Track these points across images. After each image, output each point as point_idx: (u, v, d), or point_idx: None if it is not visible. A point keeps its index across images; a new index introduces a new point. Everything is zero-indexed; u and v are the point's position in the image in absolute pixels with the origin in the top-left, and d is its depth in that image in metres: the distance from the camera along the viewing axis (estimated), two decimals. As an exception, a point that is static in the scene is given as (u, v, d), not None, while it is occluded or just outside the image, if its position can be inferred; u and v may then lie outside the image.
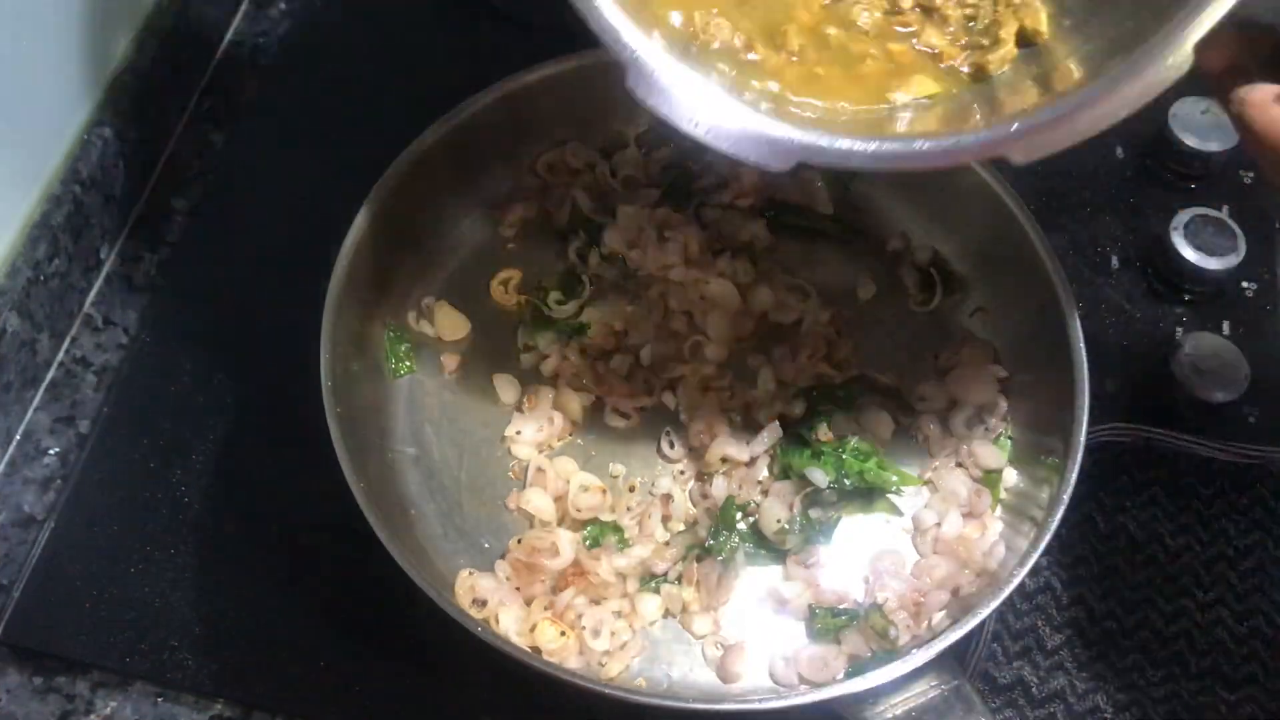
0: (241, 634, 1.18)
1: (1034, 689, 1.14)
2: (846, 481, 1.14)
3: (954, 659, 1.02)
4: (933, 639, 1.00)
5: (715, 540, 1.12)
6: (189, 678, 1.15)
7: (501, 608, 1.09)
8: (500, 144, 1.27)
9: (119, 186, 1.41)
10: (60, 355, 1.35)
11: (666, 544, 1.14)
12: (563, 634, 1.09)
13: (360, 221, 1.15)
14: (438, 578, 1.09)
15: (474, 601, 1.09)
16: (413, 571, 1.00)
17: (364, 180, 1.19)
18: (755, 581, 1.14)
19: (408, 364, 1.24)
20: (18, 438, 1.31)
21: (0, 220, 1.27)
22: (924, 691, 0.99)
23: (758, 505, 1.14)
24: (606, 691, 1.00)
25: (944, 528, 1.14)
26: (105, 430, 1.29)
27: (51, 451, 1.30)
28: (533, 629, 1.08)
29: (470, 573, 1.11)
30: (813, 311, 1.24)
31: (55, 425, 1.32)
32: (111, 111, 1.39)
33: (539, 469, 1.18)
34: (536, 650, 1.07)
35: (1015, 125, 0.80)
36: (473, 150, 1.24)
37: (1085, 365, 1.09)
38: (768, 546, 1.15)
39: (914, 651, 0.99)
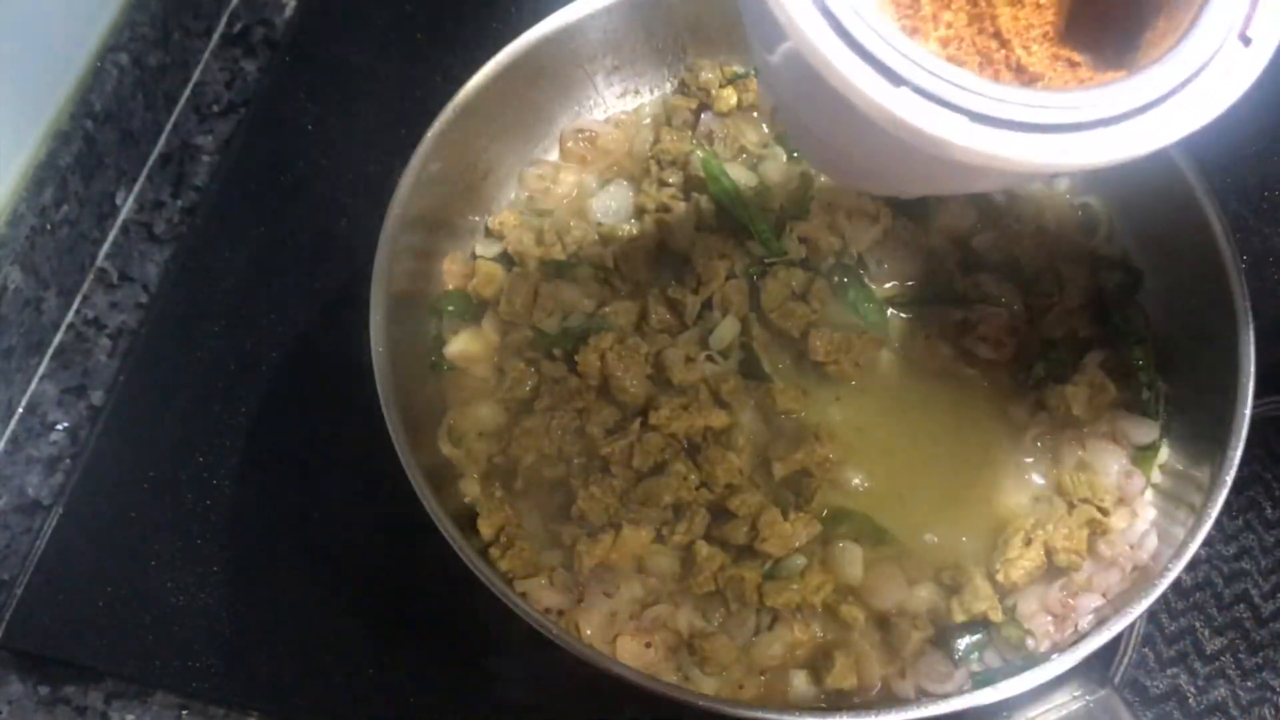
0: (277, 638, 1.10)
1: (1191, 700, 1.07)
2: None
3: (1099, 666, 0.95)
4: (1075, 643, 0.93)
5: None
6: (217, 687, 1.08)
7: (581, 614, 1.01)
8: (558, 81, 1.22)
9: (137, 121, 1.31)
10: (70, 316, 1.26)
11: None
12: (647, 646, 1.01)
13: (415, 163, 1.08)
14: (502, 574, 1.02)
15: (546, 610, 1.01)
16: (483, 573, 0.93)
17: (419, 115, 1.10)
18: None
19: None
20: (21, 411, 1.21)
21: (0, 159, 1.17)
22: (1065, 704, 0.93)
23: None
24: (701, 704, 0.93)
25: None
26: (121, 402, 1.20)
27: (59, 427, 1.21)
28: (614, 639, 1.01)
29: (546, 580, 1.04)
30: None
31: (64, 396, 1.23)
32: (128, 34, 1.28)
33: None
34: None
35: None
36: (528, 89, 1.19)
37: (1250, 328, 1.01)
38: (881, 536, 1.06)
39: (1053, 658, 0.92)
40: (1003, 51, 0.70)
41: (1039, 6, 0.72)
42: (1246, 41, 0.66)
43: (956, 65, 0.67)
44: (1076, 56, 0.72)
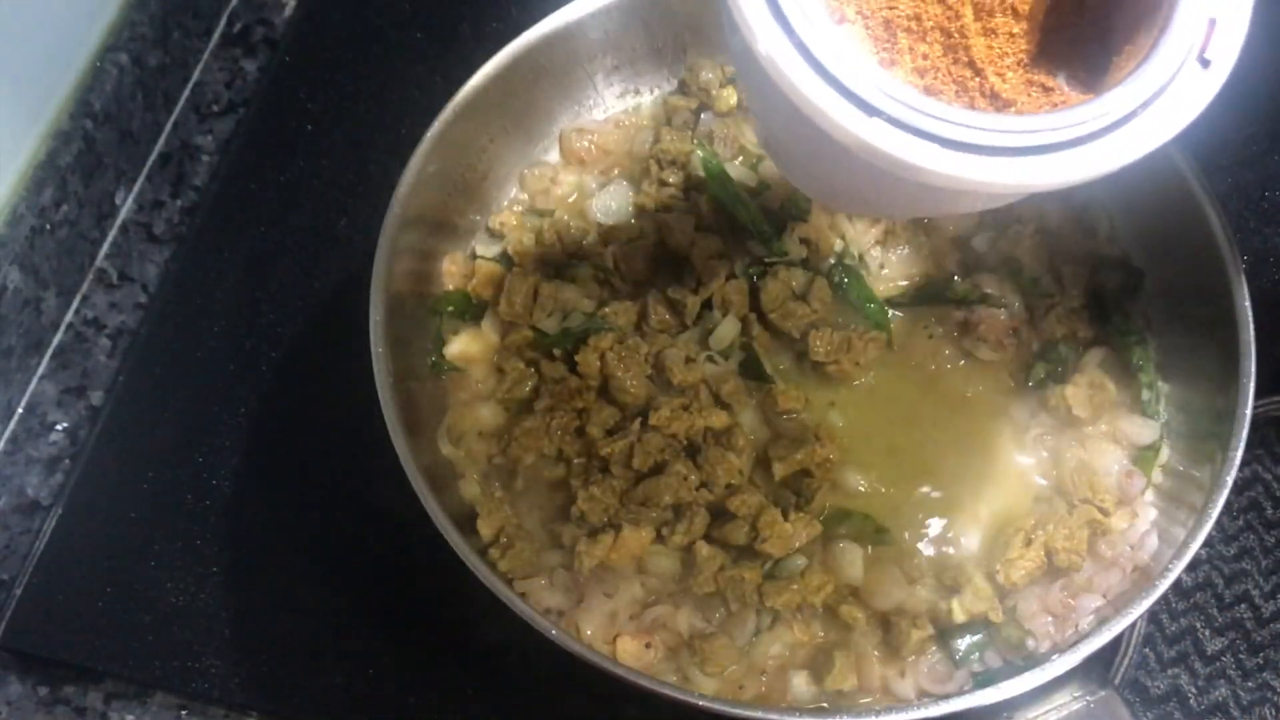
0: (277, 637, 1.09)
1: (1192, 700, 1.06)
2: None
3: (1100, 667, 0.94)
4: (1076, 643, 0.92)
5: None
6: (217, 687, 1.07)
7: (581, 615, 1.00)
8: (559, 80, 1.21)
9: (137, 121, 1.29)
10: (69, 316, 1.24)
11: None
12: (648, 646, 1.00)
13: (415, 163, 1.07)
14: (502, 575, 1.01)
15: (546, 610, 1.01)
16: (483, 573, 0.92)
17: (419, 115, 1.09)
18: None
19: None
20: (20, 411, 1.20)
21: (0, 159, 1.15)
22: (1065, 704, 0.92)
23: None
24: (701, 704, 0.92)
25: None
26: (120, 403, 1.19)
27: (59, 427, 1.20)
28: (614, 639, 1.00)
29: (546, 581, 1.03)
30: None
31: (63, 397, 1.21)
32: (128, 34, 1.27)
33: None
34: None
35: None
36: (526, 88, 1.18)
37: (1250, 328, 0.99)
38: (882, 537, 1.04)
39: (1054, 658, 0.91)
40: (977, 80, 0.73)
41: (1012, 36, 0.74)
42: (1205, 64, 0.69)
43: (933, 94, 0.70)
44: (1050, 82, 0.74)
